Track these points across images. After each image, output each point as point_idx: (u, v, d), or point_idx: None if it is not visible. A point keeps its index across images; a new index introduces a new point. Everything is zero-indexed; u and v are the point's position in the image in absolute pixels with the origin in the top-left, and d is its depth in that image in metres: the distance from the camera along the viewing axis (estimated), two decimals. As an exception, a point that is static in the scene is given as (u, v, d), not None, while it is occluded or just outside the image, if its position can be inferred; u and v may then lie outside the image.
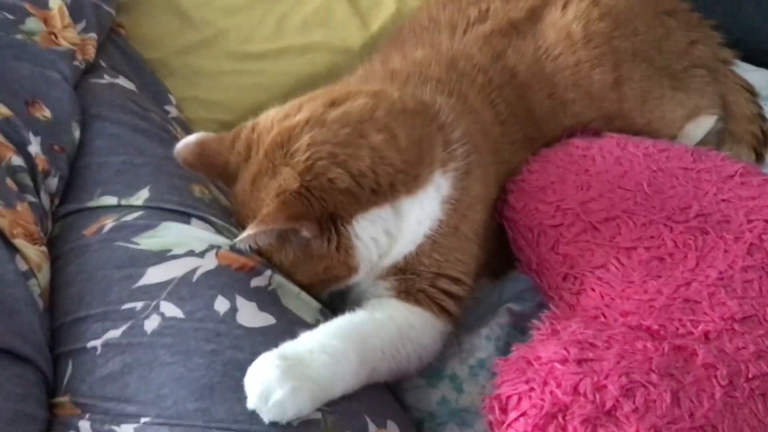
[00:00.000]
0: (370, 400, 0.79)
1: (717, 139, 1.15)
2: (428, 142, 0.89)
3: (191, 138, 0.92)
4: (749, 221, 0.83)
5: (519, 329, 0.98)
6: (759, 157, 1.14)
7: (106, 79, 1.12)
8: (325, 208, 0.82)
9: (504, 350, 0.95)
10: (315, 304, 0.88)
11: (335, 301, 0.92)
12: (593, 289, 0.81)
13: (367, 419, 0.75)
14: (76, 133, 0.99)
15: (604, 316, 0.77)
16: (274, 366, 0.71)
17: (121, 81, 1.15)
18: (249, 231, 0.80)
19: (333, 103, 0.88)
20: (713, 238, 0.82)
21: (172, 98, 1.30)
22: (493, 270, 1.01)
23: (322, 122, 0.85)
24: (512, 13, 1.12)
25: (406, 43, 1.13)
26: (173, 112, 1.28)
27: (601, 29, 1.08)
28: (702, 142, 1.12)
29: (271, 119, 0.89)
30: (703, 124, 1.13)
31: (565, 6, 1.11)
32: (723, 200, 0.87)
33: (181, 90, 1.36)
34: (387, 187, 0.85)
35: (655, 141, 0.99)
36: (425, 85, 0.99)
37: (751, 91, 1.20)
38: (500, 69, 1.06)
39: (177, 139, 1.09)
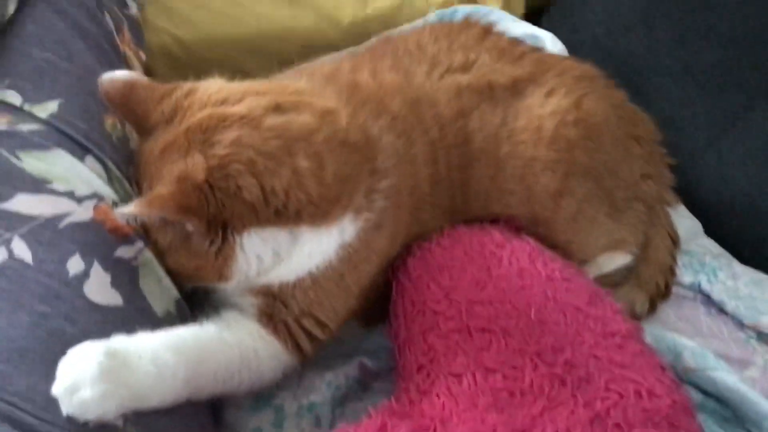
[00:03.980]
0: (182, 418, 0.76)
1: (622, 275, 1.15)
2: (353, 185, 0.86)
3: (123, 75, 0.85)
4: (606, 389, 0.84)
5: (362, 386, 0.98)
6: (652, 307, 1.16)
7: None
8: (221, 213, 0.78)
9: (340, 401, 0.94)
10: (174, 294, 0.84)
11: (198, 293, 0.89)
12: (439, 396, 0.81)
13: (171, 438, 0.73)
14: (11, 7, 0.91)
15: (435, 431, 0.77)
16: (95, 361, 0.66)
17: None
18: (133, 209, 0.73)
19: (277, 108, 0.83)
20: (566, 394, 0.83)
21: (136, -5, 1.21)
22: (366, 319, 0.99)
23: (257, 125, 0.80)
24: (496, 75, 1.07)
25: (383, 58, 1.06)
26: (133, 8, 1.20)
27: (570, 136, 1.02)
28: (607, 274, 1.13)
29: (209, 95, 0.83)
30: (617, 261, 1.13)
31: (549, 94, 1.06)
32: (594, 356, 0.87)
33: (150, -11, 1.28)
34: (293, 213, 0.81)
35: (564, 265, 0.98)
36: (379, 117, 0.94)
37: (675, 242, 1.20)
38: (458, 128, 1.01)
39: (116, 55, 1.02)
